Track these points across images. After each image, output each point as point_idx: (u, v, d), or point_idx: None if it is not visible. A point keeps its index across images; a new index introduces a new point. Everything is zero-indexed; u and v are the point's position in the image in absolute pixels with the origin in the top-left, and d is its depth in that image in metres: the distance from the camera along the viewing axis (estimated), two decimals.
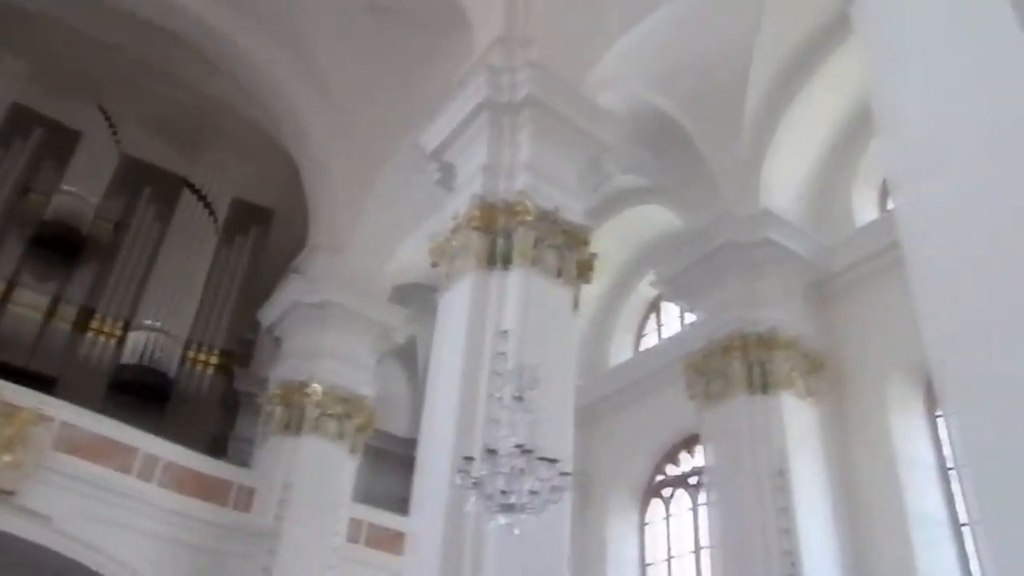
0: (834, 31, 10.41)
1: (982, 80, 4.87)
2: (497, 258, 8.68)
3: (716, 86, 11.33)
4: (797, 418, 10.68)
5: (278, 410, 13.12)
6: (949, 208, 4.81)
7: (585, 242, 9.31)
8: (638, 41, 10.44)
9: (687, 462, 14.06)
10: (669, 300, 13.97)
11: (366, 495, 14.06)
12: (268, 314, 14.52)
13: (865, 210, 11.95)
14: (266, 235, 16.82)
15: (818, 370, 11.11)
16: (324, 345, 13.51)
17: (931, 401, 10.41)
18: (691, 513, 13.69)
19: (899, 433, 10.45)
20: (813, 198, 12.19)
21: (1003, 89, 4.74)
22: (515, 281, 8.49)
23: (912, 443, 10.43)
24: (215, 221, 16.21)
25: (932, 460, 10.35)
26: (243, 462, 13.76)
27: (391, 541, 12.84)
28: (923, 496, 10.05)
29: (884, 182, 11.36)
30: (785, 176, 11.95)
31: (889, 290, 9.87)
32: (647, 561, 14.21)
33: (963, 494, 9.64)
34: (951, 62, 5.11)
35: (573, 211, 9.29)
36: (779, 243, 11.38)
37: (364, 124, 13.23)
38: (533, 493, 6.22)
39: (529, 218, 8.77)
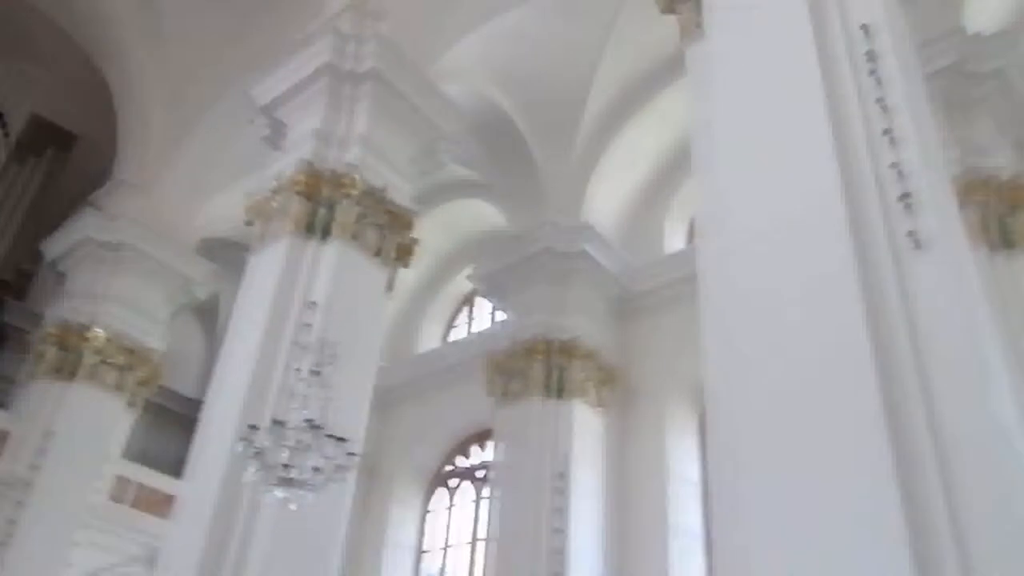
0: (673, 67, 11.00)
1: (784, 149, 5.32)
2: (316, 227, 8.44)
3: (558, 98, 11.65)
4: (585, 426, 11.19)
5: (51, 351, 12.03)
6: (739, 258, 5.21)
7: (409, 225, 9.26)
8: (490, 38, 10.56)
9: (477, 456, 14.35)
10: (483, 296, 14.20)
11: (141, 454, 13.20)
12: (54, 246, 13.26)
13: (674, 239, 12.73)
14: (64, 160, 15.28)
15: (610, 382, 11.70)
16: (113, 289, 12.54)
17: (704, 425, 11.24)
18: (474, 505, 13.98)
19: (672, 451, 11.22)
20: (631, 219, 12.84)
21: (799, 162, 5.18)
22: (331, 253, 8.30)
23: (682, 462, 11.23)
24: (6, 135, 14.61)
25: (697, 478, 11.20)
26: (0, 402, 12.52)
27: (160, 504, 12.16)
28: (684, 511, 10.85)
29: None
30: (609, 195, 12.50)
31: (682, 318, 10.51)
32: (424, 548, 14.36)
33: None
34: (761, 125, 5.53)
35: (401, 192, 9.21)
36: (593, 257, 11.89)
37: (194, 61, 12.37)
38: (316, 470, 6.10)
39: (355, 192, 8.60)
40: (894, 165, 4.89)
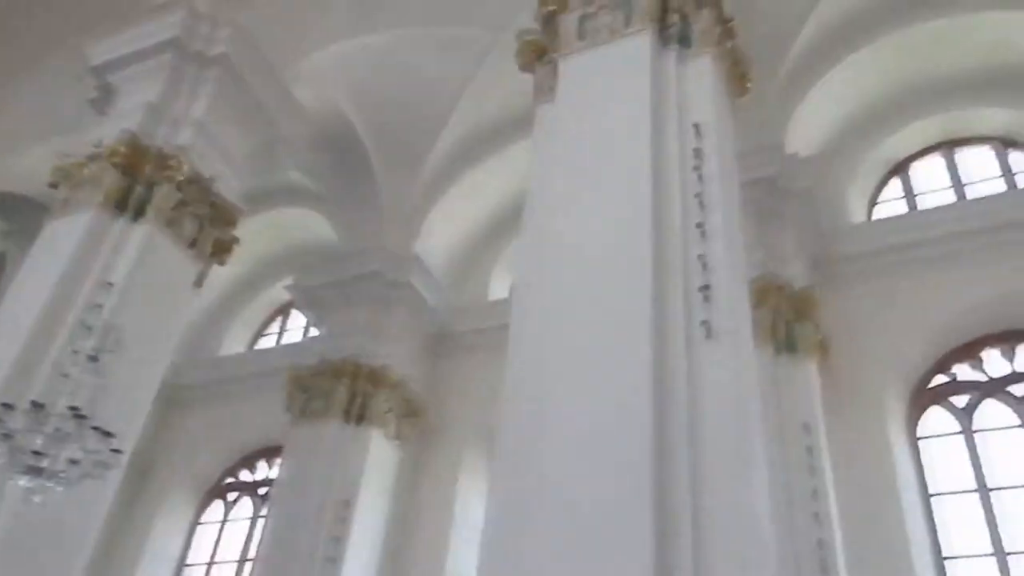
0: (523, 123, 11.32)
1: (606, 222, 5.61)
2: (129, 205, 7.93)
3: (412, 126, 11.66)
4: (379, 456, 11.03)
5: None
6: (547, 318, 5.40)
7: (232, 222, 8.90)
8: (356, 53, 10.45)
9: (263, 471, 13.76)
10: (299, 308, 13.80)
11: None
12: None
13: (499, 287, 12.96)
14: None
15: (413, 416, 11.63)
16: None
17: None
18: (249, 522, 13.35)
19: (462, 494, 11.26)
20: (462, 260, 12.97)
21: (617, 238, 5.47)
22: (140, 236, 7.80)
23: (470, 507, 11.28)
24: None
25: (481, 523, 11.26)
26: None
27: None
28: (464, 557, 10.87)
29: None
30: (445, 232, 12.59)
31: (489, 365, 10.66)
32: (188, 561, 13.51)
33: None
34: (589, 195, 5.81)
35: (229, 186, 8.84)
36: (418, 289, 11.88)
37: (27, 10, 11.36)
38: (73, 463, 5.63)
39: (180, 177, 8.17)
40: (701, 257, 5.28)
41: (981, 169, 11.06)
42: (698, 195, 5.51)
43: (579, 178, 5.89)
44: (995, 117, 11.02)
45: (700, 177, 5.59)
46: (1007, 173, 10.85)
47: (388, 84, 11.17)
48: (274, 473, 13.14)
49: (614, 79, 6.31)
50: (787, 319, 8.97)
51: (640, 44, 6.43)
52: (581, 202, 5.78)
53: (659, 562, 4.10)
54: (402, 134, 11.66)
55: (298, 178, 12.67)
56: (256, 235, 12.78)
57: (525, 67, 7.33)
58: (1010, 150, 11.00)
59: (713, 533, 4.32)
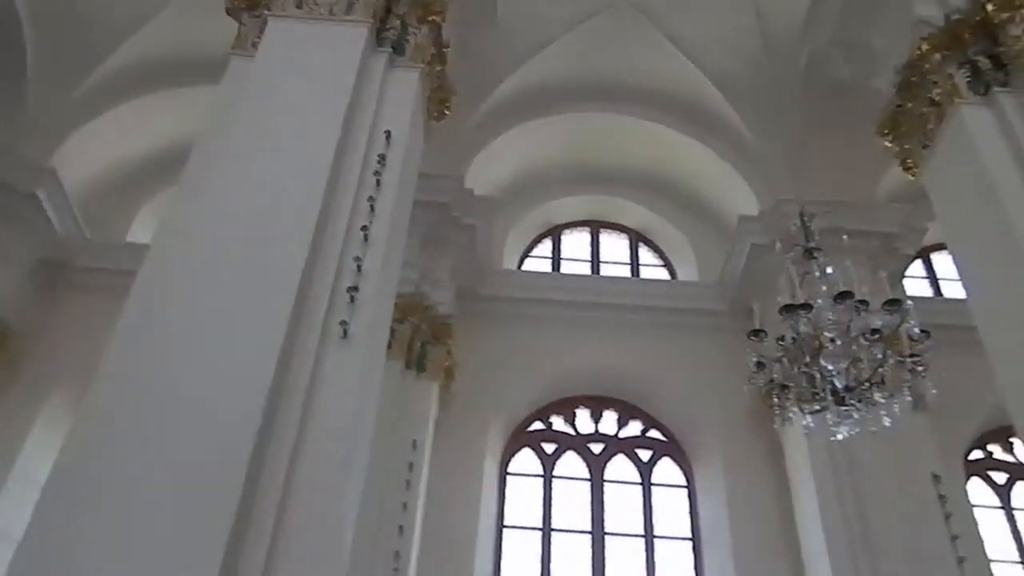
0: (204, 69, 10.31)
1: (272, 198, 5.39)
2: None
3: (83, 38, 10.25)
4: None
5: None
6: (175, 278, 5.06)
7: None
8: None
9: None
10: None
11: None
12: None
13: (141, 231, 11.74)
14: None
15: None
16: None
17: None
18: None
19: (31, 445, 9.89)
20: (107, 193, 11.63)
21: (280, 221, 5.29)
22: None
23: (35, 460, 9.93)
24: None
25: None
26: None
27: None
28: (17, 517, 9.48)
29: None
30: (96, 156, 11.19)
31: (107, 309, 9.58)
32: None
33: None
34: (262, 168, 5.52)
35: None
36: (43, 206, 10.26)
37: None
38: None
39: None
40: (357, 259, 5.29)
41: (615, 251, 12.65)
42: (371, 199, 5.53)
43: (259, 145, 5.61)
44: (636, 211, 12.69)
45: (378, 183, 5.62)
46: (635, 263, 12.53)
47: None
48: None
49: (321, 58, 6.15)
50: (423, 339, 9.34)
51: (356, 35, 6.35)
52: (253, 172, 5.50)
53: (227, 564, 3.96)
54: (69, 44, 10.18)
55: None
56: None
57: (233, 12, 6.85)
58: (642, 244, 12.72)
59: (291, 537, 4.28)
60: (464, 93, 8.41)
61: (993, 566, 9.30)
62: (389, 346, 6.67)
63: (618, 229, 12.89)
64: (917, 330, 5.32)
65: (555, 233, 12.83)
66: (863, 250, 9.28)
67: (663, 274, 12.42)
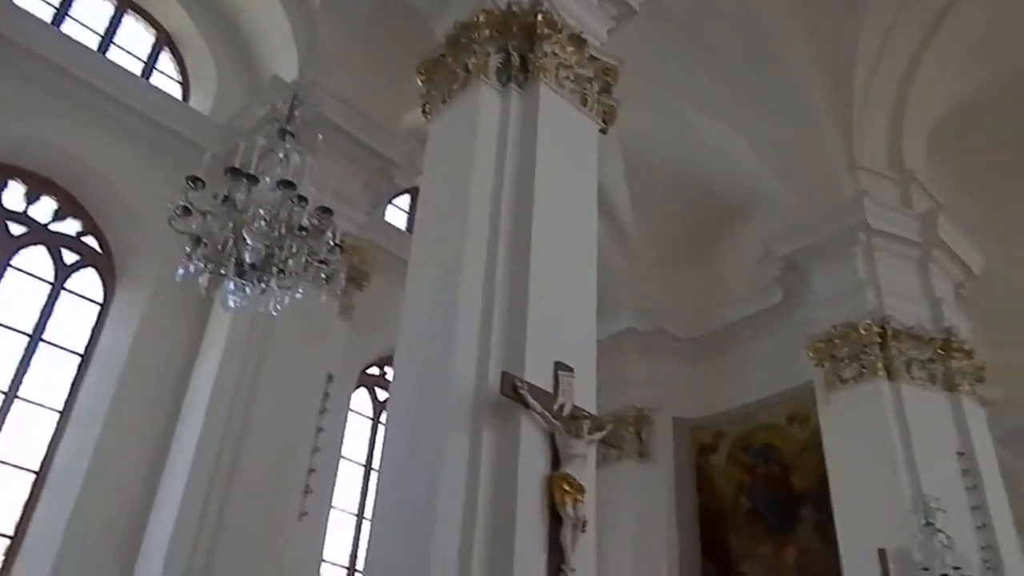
0: None
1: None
2: None
3: None
4: None
5: None
6: None
7: None
8: None
9: None
10: None
11: None
12: None
13: None
14: None
15: None
16: None
17: None
18: None
19: None
20: None
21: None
22: None
23: None
24: None
25: None
26: None
27: None
28: None
29: None
30: None
31: None
32: None
33: None
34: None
35: None
36: None
37: None
38: None
39: None
40: None
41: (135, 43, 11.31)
42: None
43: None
44: (179, 13, 11.51)
45: None
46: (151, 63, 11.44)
47: None
48: None
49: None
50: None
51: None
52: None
53: None
54: None
55: None
56: None
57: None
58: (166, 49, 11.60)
59: None
60: None
61: (341, 462, 11.07)
62: None
63: (150, 21, 11.54)
64: (332, 243, 5.75)
65: None
66: (358, 160, 9.84)
67: (176, 90, 11.50)
